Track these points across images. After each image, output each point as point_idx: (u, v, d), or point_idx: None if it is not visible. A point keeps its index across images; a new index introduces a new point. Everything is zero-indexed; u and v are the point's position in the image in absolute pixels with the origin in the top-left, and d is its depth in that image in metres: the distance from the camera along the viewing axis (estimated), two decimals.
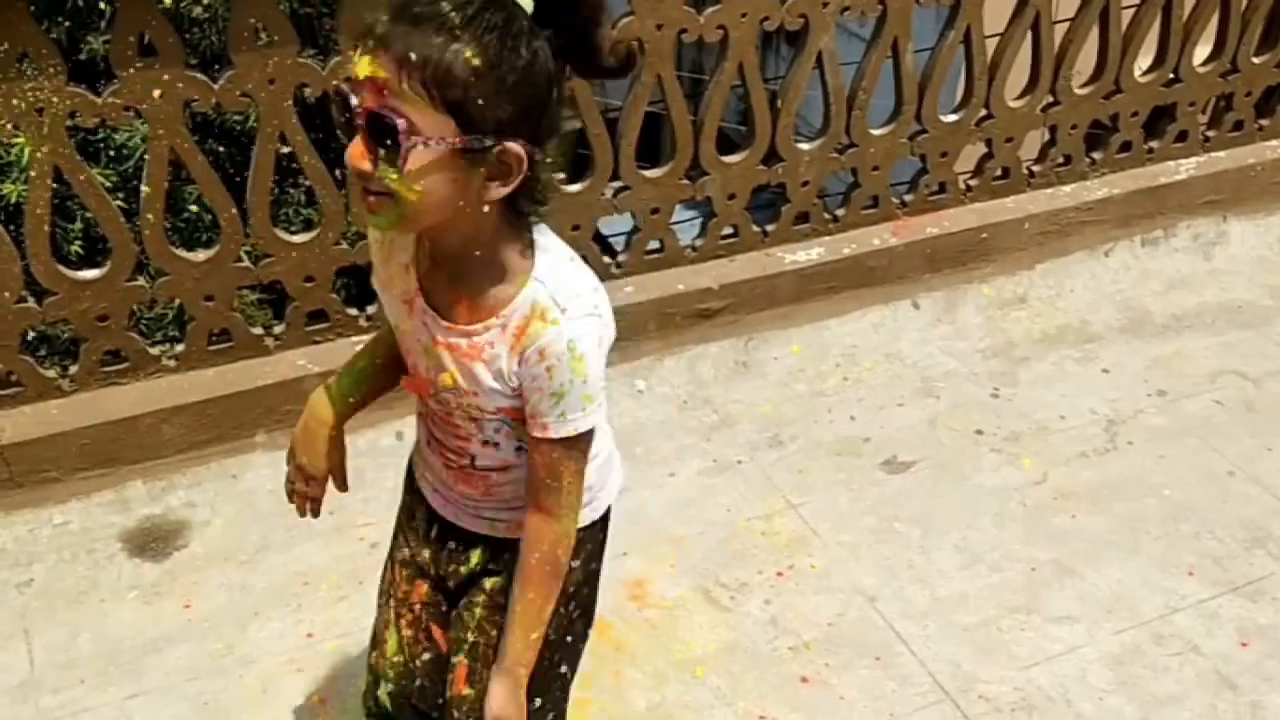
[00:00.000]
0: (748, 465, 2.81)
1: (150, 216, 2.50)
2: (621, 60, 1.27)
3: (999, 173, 3.38)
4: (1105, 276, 3.48)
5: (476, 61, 1.16)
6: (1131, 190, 3.50)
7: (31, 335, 4.48)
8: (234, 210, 2.59)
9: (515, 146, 1.21)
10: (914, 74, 3.08)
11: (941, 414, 2.98)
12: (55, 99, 2.29)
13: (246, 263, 2.64)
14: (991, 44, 3.17)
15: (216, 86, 2.40)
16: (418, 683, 1.69)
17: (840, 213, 3.23)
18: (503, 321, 1.34)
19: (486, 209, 1.27)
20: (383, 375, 1.59)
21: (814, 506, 2.68)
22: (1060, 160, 3.44)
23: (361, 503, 2.55)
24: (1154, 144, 3.56)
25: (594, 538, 1.65)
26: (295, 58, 2.44)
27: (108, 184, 5.53)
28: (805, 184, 3.11)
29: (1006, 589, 2.48)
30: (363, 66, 1.18)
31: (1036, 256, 3.44)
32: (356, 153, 1.21)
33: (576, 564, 1.60)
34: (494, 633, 1.59)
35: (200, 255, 2.62)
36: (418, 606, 1.69)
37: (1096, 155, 3.49)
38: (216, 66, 2.48)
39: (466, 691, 1.62)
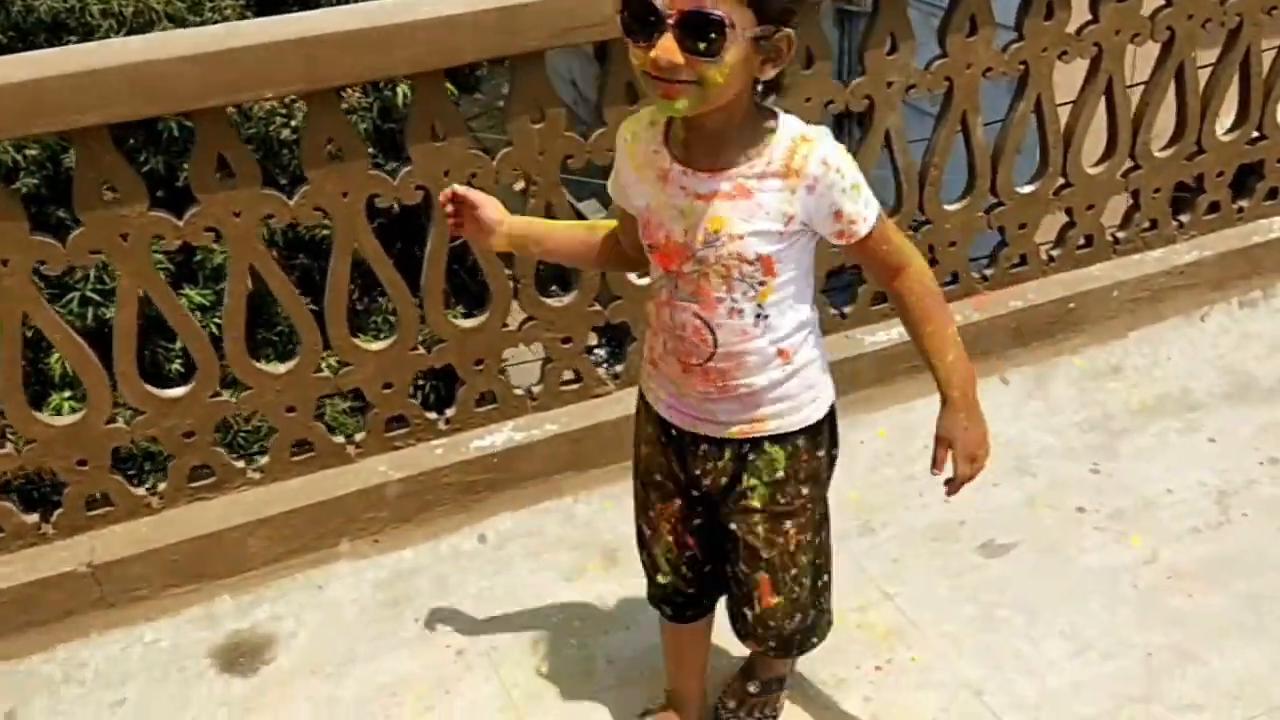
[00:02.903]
0: (839, 555, 2.66)
1: (232, 332, 2.55)
2: None
3: (1082, 241, 3.29)
4: (1203, 342, 3.35)
5: None
6: (1223, 251, 3.38)
7: (134, 451, 4.56)
8: (312, 322, 2.62)
9: (789, 32, 1.48)
10: (986, 147, 3.04)
11: (1039, 493, 2.86)
12: (138, 224, 2.36)
13: (326, 373, 2.67)
14: (1065, 112, 3.11)
15: (292, 202, 2.46)
16: (684, 572, 1.97)
17: None
18: (766, 159, 1.57)
19: (759, 88, 1.54)
20: (575, 243, 1.94)
21: (911, 596, 2.58)
22: (1146, 225, 3.34)
23: (448, 610, 2.52)
24: (1243, 203, 3.44)
25: (830, 426, 1.86)
26: (366, 171, 2.49)
27: (205, 303, 5.73)
28: None
29: (1122, 677, 2.34)
30: None
31: (1129, 324, 3.33)
32: (669, 48, 1.42)
33: (821, 453, 1.83)
34: (781, 540, 1.83)
35: (280, 368, 2.66)
36: (673, 520, 1.91)
37: (1184, 218, 3.39)
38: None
39: (776, 600, 1.87)
